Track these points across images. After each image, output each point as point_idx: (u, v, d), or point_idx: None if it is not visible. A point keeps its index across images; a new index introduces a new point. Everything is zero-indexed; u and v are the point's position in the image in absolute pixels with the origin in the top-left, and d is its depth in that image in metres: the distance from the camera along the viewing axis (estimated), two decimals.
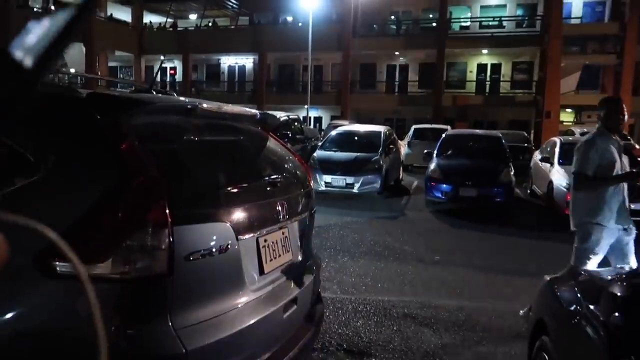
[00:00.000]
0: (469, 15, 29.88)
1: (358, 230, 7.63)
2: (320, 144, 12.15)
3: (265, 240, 2.08)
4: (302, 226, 2.49)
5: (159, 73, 36.39)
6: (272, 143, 2.60)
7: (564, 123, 24.89)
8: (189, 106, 1.97)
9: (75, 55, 30.24)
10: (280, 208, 2.16)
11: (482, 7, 29.54)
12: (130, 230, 1.57)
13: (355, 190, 10.12)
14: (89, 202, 1.59)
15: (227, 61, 34.76)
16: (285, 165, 2.61)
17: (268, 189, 2.19)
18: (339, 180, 10.18)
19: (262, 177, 2.24)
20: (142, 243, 1.57)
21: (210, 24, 34.52)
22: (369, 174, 10.13)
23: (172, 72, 36.60)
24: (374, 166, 10.27)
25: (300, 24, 28.65)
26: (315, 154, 11.00)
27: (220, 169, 2.04)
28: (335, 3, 29.17)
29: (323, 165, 10.42)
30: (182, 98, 2.32)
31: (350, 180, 10.10)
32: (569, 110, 25.74)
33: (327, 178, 10.22)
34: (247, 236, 1.93)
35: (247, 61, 34.15)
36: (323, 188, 10.26)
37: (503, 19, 29.05)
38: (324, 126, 28.08)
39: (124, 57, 34.24)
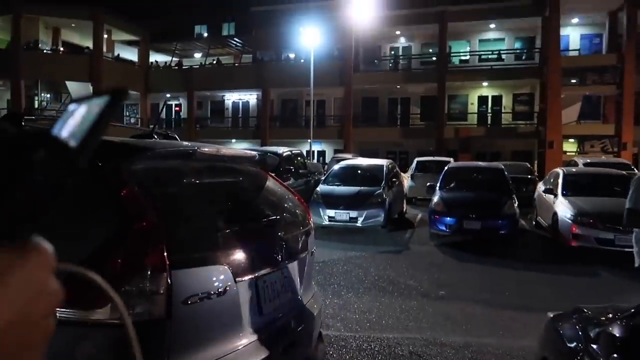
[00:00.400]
0: (468, 49, 30.44)
1: (362, 265, 7.58)
2: (323, 178, 12.21)
3: (265, 282, 2.08)
4: (302, 266, 2.49)
5: (164, 111, 37.12)
6: (271, 183, 2.64)
7: (567, 153, 24.93)
8: (188, 151, 2.02)
9: (81, 94, 30.91)
10: (279, 249, 2.18)
11: (480, 41, 30.11)
12: (129, 275, 1.59)
13: (358, 224, 10.11)
14: (89, 247, 1.61)
15: (231, 97, 35.37)
16: (285, 205, 2.64)
17: (267, 230, 2.21)
18: (342, 215, 10.19)
19: (261, 218, 2.27)
20: (140, 288, 1.59)
21: (214, 62, 35.32)
22: (372, 208, 10.13)
23: (177, 109, 37.23)
24: (377, 200, 10.28)
25: (302, 61, 29.28)
26: (318, 189, 11.04)
27: (219, 212, 2.07)
28: (337, 39, 29.86)
29: (326, 200, 10.45)
30: (182, 142, 2.37)
31: (353, 214, 10.11)
32: (571, 140, 25.83)
33: (331, 212, 10.23)
34: (245, 278, 1.94)
35: (250, 97, 34.74)
36: (327, 222, 10.27)
37: (502, 52, 29.56)
38: (327, 160, 28.27)
39: (131, 95, 34.87)
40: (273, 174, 2.78)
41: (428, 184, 11.31)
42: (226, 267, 1.83)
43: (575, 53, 27.40)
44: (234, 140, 34.14)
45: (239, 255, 1.94)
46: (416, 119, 30.62)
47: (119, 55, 34.21)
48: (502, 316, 5.26)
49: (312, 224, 2.75)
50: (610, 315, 2.03)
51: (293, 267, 2.37)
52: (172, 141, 2.39)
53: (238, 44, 35.72)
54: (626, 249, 7.79)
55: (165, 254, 1.60)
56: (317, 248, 8.52)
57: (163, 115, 36.99)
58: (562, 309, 5.40)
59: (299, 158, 13.39)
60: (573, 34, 28.00)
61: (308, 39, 24.92)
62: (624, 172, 10.76)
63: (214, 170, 2.27)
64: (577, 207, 8.42)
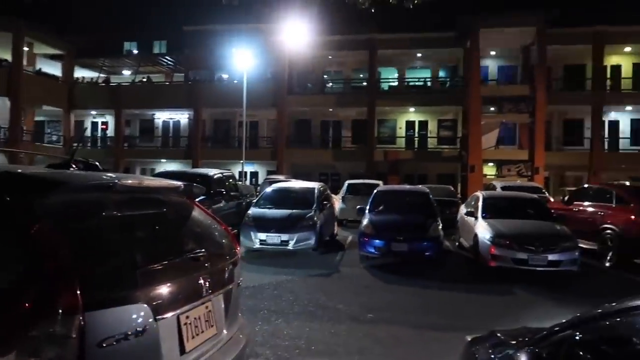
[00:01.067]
0: (396, 75, 31.79)
1: (293, 289, 7.57)
2: (255, 201, 12.14)
3: (187, 317, 2.04)
4: (228, 298, 2.46)
5: (89, 129, 35.37)
6: (197, 213, 2.60)
7: (487, 176, 26.51)
8: (108, 183, 1.95)
9: None
10: (203, 282, 2.15)
11: (408, 68, 31.58)
12: (37, 318, 1.50)
13: (290, 247, 10.11)
14: None
15: (162, 116, 34.43)
16: (211, 236, 2.61)
17: (191, 264, 2.17)
18: (273, 238, 10.15)
19: (185, 252, 2.22)
20: (50, 332, 1.50)
21: (144, 80, 34.29)
22: (304, 231, 10.19)
23: (103, 127, 35.63)
24: (308, 223, 10.35)
25: (235, 82, 29.16)
26: (250, 212, 10.95)
27: (139, 247, 2.01)
28: (270, 62, 30.11)
29: (258, 223, 10.38)
30: (102, 174, 2.27)
31: (285, 237, 10.10)
32: (490, 164, 27.51)
33: (262, 236, 10.17)
34: (167, 315, 1.89)
35: (182, 116, 34.00)
36: (258, 246, 10.19)
37: (427, 79, 31.15)
38: (260, 181, 28.13)
39: (53, 111, 33.00)
40: (199, 204, 2.74)
41: (358, 206, 11.57)
42: (145, 305, 1.78)
43: (494, 83, 29.42)
44: (164, 160, 33.12)
45: (160, 292, 1.89)
46: (348, 142, 31.34)
47: (40, 69, 32.31)
48: (427, 337, 5.45)
49: (239, 254, 2.74)
50: (520, 340, 2.18)
51: (218, 300, 2.34)
52: (91, 173, 2.28)
53: (170, 63, 34.96)
54: (538, 268, 8.41)
55: (78, 295, 1.53)
56: (248, 272, 8.39)
57: (88, 133, 35.24)
58: (482, 327, 5.68)
59: (230, 180, 13.22)
60: (491, 65, 30.10)
61: (241, 61, 24.94)
62: (536, 196, 11.63)
63: (136, 202, 2.20)
64: (495, 229, 8.95)
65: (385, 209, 10.75)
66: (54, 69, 33.68)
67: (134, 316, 1.73)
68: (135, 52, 36.48)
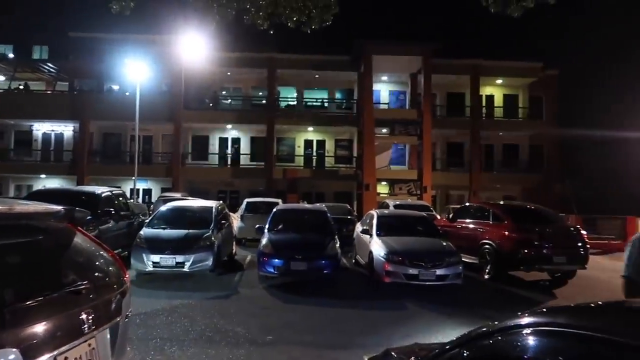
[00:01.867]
0: (295, 95, 32.32)
1: (188, 314, 7.22)
2: (147, 220, 11.48)
3: (66, 358, 1.83)
4: (115, 332, 2.26)
5: None
6: (80, 240, 2.36)
7: (381, 194, 27.78)
8: None
9: None
10: (86, 317, 1.94)
11: (306, 88, 32.28)
12: None
13: (186, 269, 9.67)
14: None
15: (42, 128, 31.46)
16: (95, 266, 2.38)
17: (70, 298, 1.96)
18: (168, 260, 9.64)
19: (64, 285, 2.00)
20: None
21: (21, 87, 31.15)
22: (201, 252, 9.81)
23: None
24: (205, 243, 10.00)
25: (127, 93, 27.66)
26: (142, 232, 10.32)
27: (8, 282, 1.76)
28: (165, 74, 29.04)
29: (151, 244, 9.81)
30: None
31: (180, 259, 9.64)
32: (384, 183, 28.90)
33: (155, 258, 9.61)
34: (40, 358, 1.68)
35: (65, 129, 31.36)
36: (151, 268, 9.62)
37: (325, 100, 32.10)
38: (154, 199, 26.74)
39: None
40: (83, 229, 2.49)
41: (257, 225, 11.44)
42: (14, 350, 1.56)
43: (386, 106, 31.11)
44: (43, 176, 30.20)
45: (33, 333, 1.67)
46: (247, 159, 31.08)
47: None
48: (325, 357, 5.48)
49: (128, 283, 2.53)
50: (413, 358, 2.26)
51: (103, 335, 2.13)
52: None
53: (52, 70, 32.16)
54: (427, 283, 8.92)
55: None
56: (139, 297, 7.88)
57: None
58: (378, 344, 5.85)
59: (120, 198, 12.38)
60: (383, 89, 31.85)
61: (134, 72, 23.69)
62: (425, 214, 12.39)
63: (6, 229, 1.94)
64: (388, 246, 9.36)
65: (284, 227, 10.76)
66: None
67: None
68: (11, 55, 33.07)
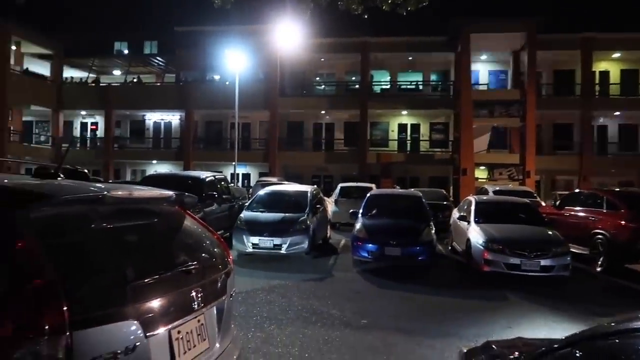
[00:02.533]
0: (388, 78, 31.84)
1: (285, 294, 7.50)
2: (247, 204, 12.05)
3: (179, 332, 1.97)
4: (221, 310, 2.39)
5: (79, 129, 35.02)
6: (189, 223, 2.53)
7: (479, 180, 26.62)
8: (97, 196, 1.88)
9: None
10: (195, 295, 2.08)
11: (400, 71, 31.64)
12: (22, 339, 1.42)
13: (283, 251, 10.04)
14: None
15: (153, 117, 34.19)
16: (203, 247, 2.53)
17: (182, 277, 2.10)
18: (266, 242, 10.07)
19: (176, 265, 2.14)
20: (36, 352, 1.43)
21: (135, 80, 34.05)
22: (297, 235, 10.12)
23: (93, 127, 35.30)
24: (301, 226, 10.29)
25: (227, 83, 29.04)
26: (242, 215, 10.86)
27: (129, 261, 1.93)
28: (262, 63, 30.02)
29: (250, 227, 10.30)
30: (90, 184, 2.18)
31: (277, 241, 10.03)
32: (482, 167, 27.63)
33: (255, 239, 10.09)
34: (157, 331, 1.82)
35: (173, 118, 33.79)
36: (250, 250, 10.11)
37: (419, 83, 31.24)
38: (252, 183, 28.00)
39: (41, 111, 32.65)
40: (191, 213, 2.66)
41: (351, 210, 11.53)
42: (135, 322, 1.71)
43: (484, 87, 29.56)
44: (154, 162, 32.89)
45: (151, 308, 1.82)
46: (340, 144, 31.32)
47: (27, 68, 31.95)
48: (421, 344, 5.40)
49: (232, 265, 2.67)
50: (517, 354, 2.14)
51: (210, 313, 2.27)
52: (79, 184, 2.19)
53: (160, 63, 34.76)
54: (530, 274, 8.41)
55: (65, 314, 1.46)
56: (240, 277, 8.30)
57: (77, 133, 34.88)
58: (475, 334, 5.65)
59: (222, 183, 13.11)
60: (482, 70, 30.26)
61: (233, 62, 24.80)
62: (528, 200, 11.65)
63: (126, 213, 2.12)
64: (487, 234, 8.94)
65: (378, 213, 10.72)
66: (43, 69, 33.34)
67: (124, 334, 1.65)
68: (126, 52, 36.23)
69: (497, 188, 17.00)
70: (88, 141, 35.11)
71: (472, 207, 10.31)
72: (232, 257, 2.75)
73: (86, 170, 3.16)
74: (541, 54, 26.14)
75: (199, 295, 2.10)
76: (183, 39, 31.92)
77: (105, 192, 1.90)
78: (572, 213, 11.25)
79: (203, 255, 2.45)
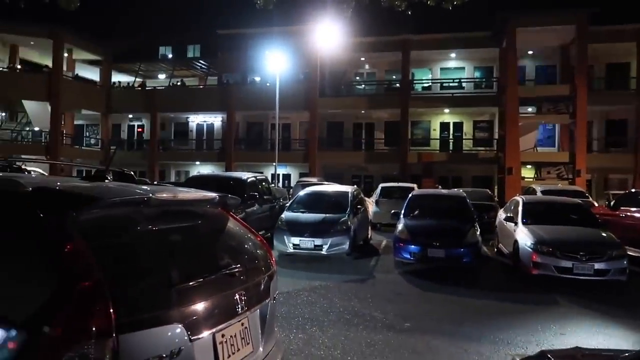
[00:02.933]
0: (430, 76, 31.29)
1: (327, 295, 7.45)
2: (288, 204, 12.09)
3: (223, 336, 1.95)
4: (264, 313, 2.36)
5: (127, 131, 36.29)
6: (232, 225, 2.51)
7: (526, 179, 25.74)
8: (143, 198, 1.88)
9: (40, 114, 29.94)
10: (238, 299, 2.05)
11: (442, 69, 31.03)
12: (70, 341, 1.43)
13: (323, 252, 10.00)
14: (26, 309, 1.45)
15: (196, 119, 34.97)
16: (246, 249, 2.51)
17: (226, 280, 2.08)
18: (307, 242, 10.07)
19: (220, 267, 2.13)
20: (84, 354, 1.43)
21: (178, 84, 34.94)
22: (338, 235, 10.06)
23: (139, 130, 36.48)
24: (342, 227, 10.22)
25: (268, 84, 29.32)
26: (283, 215, 10.91)
27: (174, 263, 1.92)
28: (302, 64, 30.14)
29: (291, 227, 10.32)
30: (136, 186, 2.19)
31: (318, 242, 10.00)
32: (529, 166, 26.71)
33: (295, 240, 10.10)
34: (202, 335, 1.81)
35: (215, 119, 34.45)
36: (291, 250, 10.13)
37: (462, 80, 30.53)
38: (292, 183, 28.16)
39: (91, 115, 34.03)
40: (234, 215, 2.65)
41: (392, 211, 11.37)
42: (180, 325, 1.69)
43: (531, 83, 28.57)
44: (198, 162, 33.64)
45: (195, 311, 1.81)
46: (380, 144, 31.04)
47: (77, 74, 33.37)
48: (467, 350, 5.23)
49: (275, 267, 2.64)
50: None
51: (254, 316, 2.24)
52: (126, 186, 2.21)
53: (203, 66, 35.52)
54: (583, 277, 8.02)
55: (112, 316, 1.46)
56: (282, 277, 8.33)
57: (125, 136, 36.16)
58: (525, 341, 5.41)
59: (263, 183, 13.23)
60: (529, 65, 29.25)
61: (274, 63, 25.02)
62: (580, 201, 11.14)
63: (171, 215, 2.12)
64: (537, 235, 8.59)
65: (421, 213, 10.52)
66: (92, 74, 34.75)
67: (169, 337, 1.64)
68: (170, 56, 37.24)
69: (546, 188, 16.36)
70: (135, 143, 36.31)
71: (520, 208, 9.94)
72: (274, 260, 2.72)
73: (132, 172, 3.20)
74: (592, 47, 24.99)
75: (243, 298, 2.08)
76: (225, 42, 32.51)
77: (151, 195, 1.90)
78: (629, 214, 10.67)
79: (246, 257, 2.43)
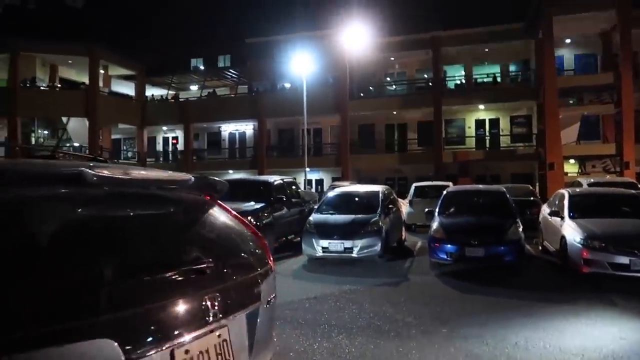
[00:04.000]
0: (462, 73, 30.31)
1: (356, 300, 6.96)
2: (316, 206, 11.66)
3: (187, 352, 1.51)
4: (253, 322, 1.91)
5: (162, 143, 36.86)
6: (216, 214, 2.09)
7: (569, 174, 24.42)
8: (72, 173, 1.46)
9: (78, 129, 30.75)
10: (210, 303, 1.61)
11: (475, 64, 30.01)
12: None
13: (354, 254, 9.49)
14: None
15: (228, 128, 35.14)
16: (229, 243, 2.07)
17: (190, 278, 1.64)
18: (336, 245, 9.58)
19: (183, 264, 1.69)
20: None
21: (210, 94, 35.23)
22: (368, 237, 9.54)
23: (174, 141, 36.98)
24: (373, 228, 9.69)
25: (297, 90, 29.08)
26: (311, 218, 10.47)
27: (114, 260, 1.48)
28: (331, 67, 29.78)
29: (319, 229, 9.87)
30: (80, 163, 1.75)
31: (348, 244, 9.50)
32: (572, 161, 25.36)
33: (324, 243, 9.63)
34: (150, 353, 1.37)
35: (247, 127, 34.50)
36: (320, 254, 9.67)
37: (497, 74, 29.41)
38: (325, 188, 27.73)
39: (127, 129, 34.71)
40: (222, 202, 2.23)
41: (426, 209, 10.76)
42: (112, 341, 1.26)
43: (571, 73, 27.22)
44: (231, 171, 33.72)
45: (139, 320, 1.37)
46: (414, 145, 30.26)
47: (113, 90, 34.16)
48: (516, 358, 4.63)
49: (272, 265, 2.19)
50: None
51: (237, 325, 1.79)
52: (65, 163, 1.81)
53: (234, 76, 35.73)
54: None
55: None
56: (310, 282, 7.85)
57: (160, 148, 36.72)
58: (581, 347, 4.75)
59: (292, 187, 12.86)
60: (567, 55, 27.90)
61: (301, 68, 24.74)
62: (634, 192, 10.22)
63: (129, 200, 1.71)
64: (586, 230, 7.83)
65: (457, 211, 9.90)
66: (127, 89, 35.49)
67: (93, 357, 1.21)
68: (201, 67, 37.66)
69: (593, 180, 15.31)
70: (169, 155, 36.77)
71: (566, 201, 9.17)
72: (272, 257, 2.27)
73: (107, 159, 2.80)
74: (636, 32, 23.51)
75: (217, 302, 1.64)
76: (254, 50, 32.58)
77: (85, 169, 1.48)
78: None
79: (228, 252, 1.99)
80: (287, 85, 32.60)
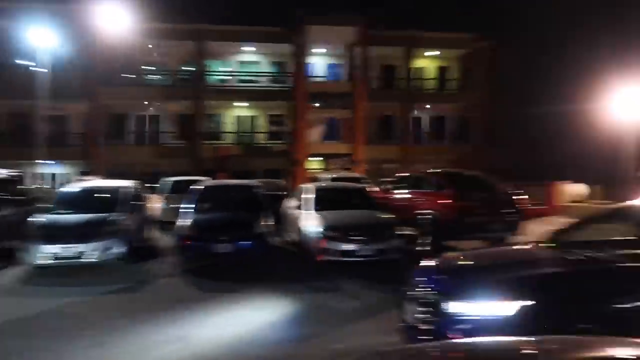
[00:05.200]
0: (225, 69, 30.52)
1: (79, 314, 6.01)
2: (47, 207, 9.85)
3: None
4: None
5: None
6: None
7: (314, 170, 26.99)
8: None
9: None
10: None
11: (239, 62, 30.58)
12: None
13: (91, 259, 8.24)
14: None
15: None
16: None
17: None
18: (68, 250, 8.18)
19: None
20: None
21: None
22: (107, 238, 8.43)
23: None
24: (112, 228, 8.63)
25: (34, 69, 24.71)
26: (35, 219, 8.74)
27: None
28: (79, 49, 26.27)
29: (47, 232, 8.29)
30: None
31: (82, 247, 8.20)
32: (319, 158, 28.10)
33: (53, 248, 8.12)
34: None
35: None
36: (49, 261, 8.10)
37: (257, 74, 30.54)
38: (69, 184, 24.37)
39: None
40: None
41: (180, 205, 10.22)
42: None
43: (322, 79, 30.12)
44: None
45: None
46: (172, 138, 29.16)
47: None
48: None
49: None
50: None
51: None
52: None
53: None
54: (365, 259, 8.12)
55: None
56: (29, 298, 6.40)
57: None
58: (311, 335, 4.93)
59: (15, 182, 10.65)
60: (320, 62, 30.76)
61: (41, 45, 21.05)
62: (361, 185, 11.63)
63: None
64: (320, 221, 8.49)
65: (210, 207, 9.64)
66: None
67: None
68: None
69: (335, 175, 17.12)
70: None
71: (304, 195, 9.87)
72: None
73: None
74: (372, 49, 27.34)
75: None
76: None
77: None
78: (402, 196, 11.50)
79: None
80: (21, 62, 27.43)
